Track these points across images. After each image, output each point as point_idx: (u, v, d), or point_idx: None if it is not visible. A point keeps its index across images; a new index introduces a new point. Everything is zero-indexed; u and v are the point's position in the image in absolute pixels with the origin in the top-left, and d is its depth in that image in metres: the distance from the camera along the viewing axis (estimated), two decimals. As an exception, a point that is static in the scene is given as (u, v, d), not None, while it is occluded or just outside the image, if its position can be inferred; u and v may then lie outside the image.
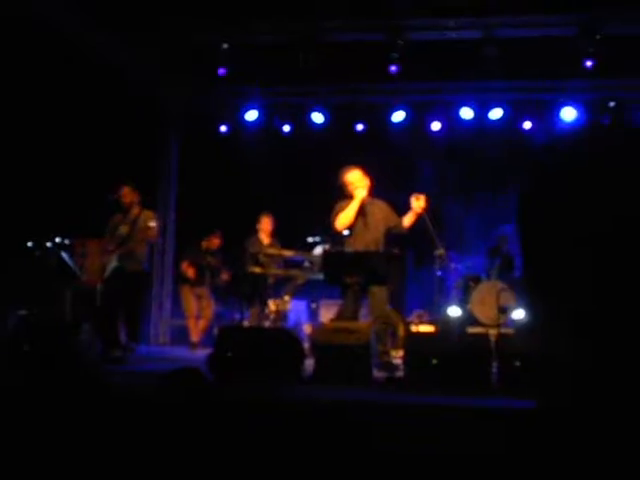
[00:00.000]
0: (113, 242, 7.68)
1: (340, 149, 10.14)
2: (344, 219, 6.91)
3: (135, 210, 7.78)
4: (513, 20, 8.27)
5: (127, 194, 7.77)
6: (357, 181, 6.99)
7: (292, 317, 9.08)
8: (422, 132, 10.31)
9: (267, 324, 8.47)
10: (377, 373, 6.29)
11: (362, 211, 6.97)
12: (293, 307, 9.08)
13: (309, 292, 9.04)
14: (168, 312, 10.65)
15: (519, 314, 8.51)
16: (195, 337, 9.50)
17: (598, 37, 8.16)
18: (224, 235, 9.75)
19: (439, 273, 7.97)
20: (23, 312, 7.42)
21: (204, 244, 9.63)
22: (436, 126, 10.27)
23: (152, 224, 7.76)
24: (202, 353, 7.70)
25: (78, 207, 8.85)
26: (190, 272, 9.61)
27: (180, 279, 9.83)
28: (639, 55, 8.51)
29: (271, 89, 10.30)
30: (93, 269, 7.68)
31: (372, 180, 7.10)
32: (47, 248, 8.33)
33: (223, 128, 10.67)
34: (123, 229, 7.70)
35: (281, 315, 8.64)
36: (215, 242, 9.72)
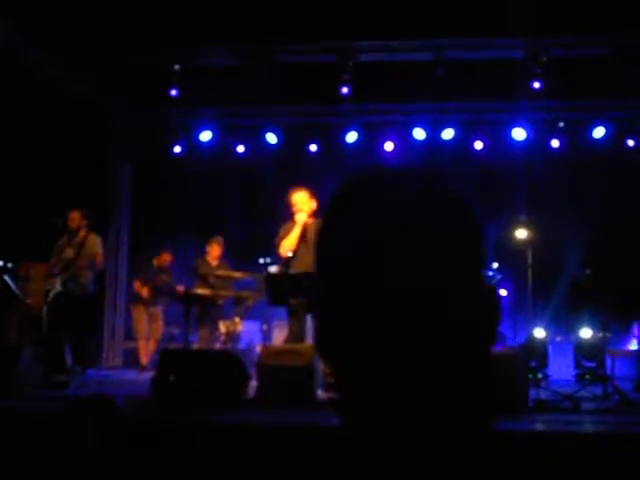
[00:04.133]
0: (58, 265, 7.56)
1: (294, 169, 10.16)
2: (287, 245, 6.87)
3: (82, 233, 7.68)
4: (462, 42, 8.37)
5: (75, 218, 7.67)
6: (300, 203, 6.92)
7: (245, 338, 9.03)
8: (375, 152, 10.34)
9: (217, 346, 8.39)
10: (322, 394, 6.23)
11: (304, 234, 6.88)
12: (246, 328, 9.03)
13: (262, 313, 8.97)
14: (121, 335, 10.52)
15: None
16: (145, 359, 9.38)
17: (545, 59, 8.30)
18: (175, 255, 9.69)
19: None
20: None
21: (155, 262, 9.58)
22: (389, 146, 10.33)
23: (99, 251, 7.68)
24: (150, 375, 7.60)
25: (22, 231, 8.70)
26: (144, 292, 9.49)
27: (134, 299, 9.70)
28: (587, 77, 8.63)
29: (225, 110, 10.29)
30: (37, 293, 7.53)
31: (320, 201, 6.98)
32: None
33: (177, 149, 10.62)
34: (68, 252, 7.58)
35: (232, 336, 8.58)
36: (166, 258, 9.66)
